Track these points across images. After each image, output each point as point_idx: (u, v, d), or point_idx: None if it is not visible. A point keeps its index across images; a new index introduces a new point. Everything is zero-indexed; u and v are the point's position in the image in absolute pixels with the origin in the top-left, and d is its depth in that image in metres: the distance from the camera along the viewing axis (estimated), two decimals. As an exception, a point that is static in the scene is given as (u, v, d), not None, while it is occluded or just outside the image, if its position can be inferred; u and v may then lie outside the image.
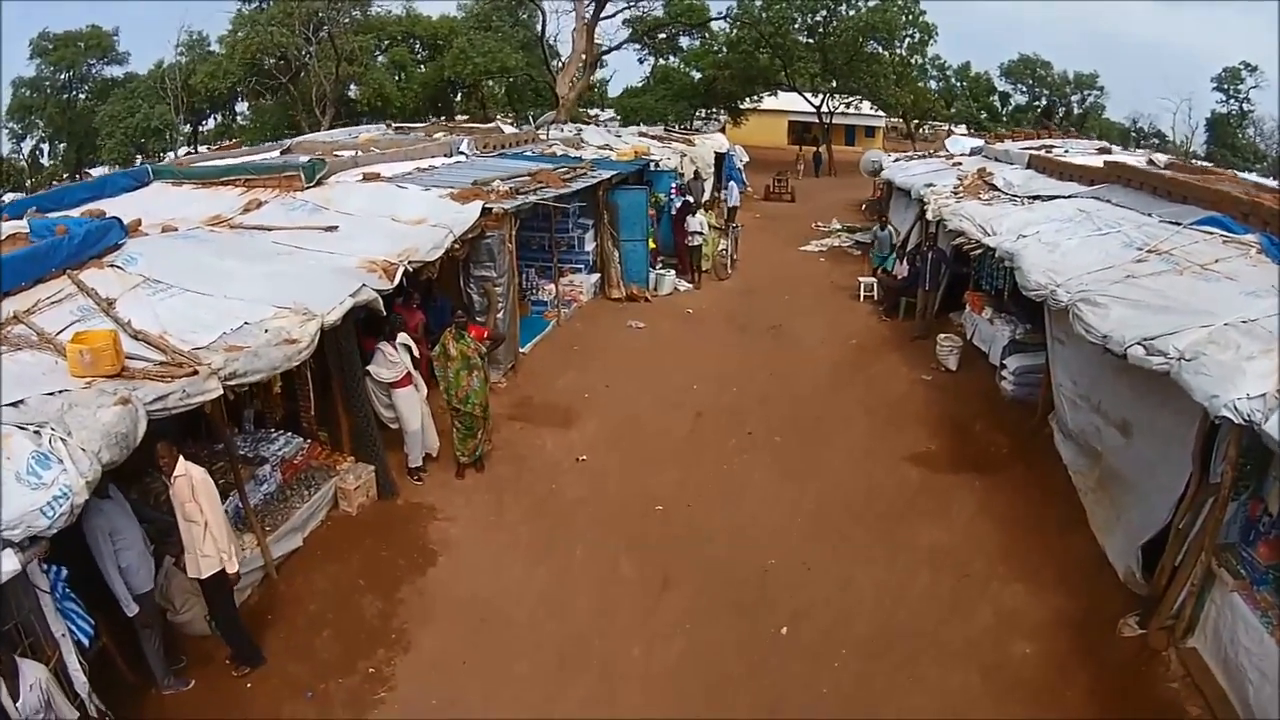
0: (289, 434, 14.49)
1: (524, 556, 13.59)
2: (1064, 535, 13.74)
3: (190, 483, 9.98)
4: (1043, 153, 28.52)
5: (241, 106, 73.57)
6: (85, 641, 8.87)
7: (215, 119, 73.37)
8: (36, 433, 8.05)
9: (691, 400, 19.74)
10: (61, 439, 8.11)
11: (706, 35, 74.96)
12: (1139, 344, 11.09)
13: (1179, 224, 15.61)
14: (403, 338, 15.11)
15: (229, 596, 10.72)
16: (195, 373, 9.91)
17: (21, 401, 8.61)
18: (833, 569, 13.28)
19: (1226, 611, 10.17)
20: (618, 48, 65.74)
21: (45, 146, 74.26)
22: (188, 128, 67.27)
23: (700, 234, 30.23)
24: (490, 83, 72.15)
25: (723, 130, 59.01)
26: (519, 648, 11.51)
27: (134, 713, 9.76)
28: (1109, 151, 31.71)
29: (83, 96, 73.92)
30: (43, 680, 7.69)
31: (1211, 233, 14.82)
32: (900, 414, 19.04)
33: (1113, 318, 12.08)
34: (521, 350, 21.37)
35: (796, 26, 70.15)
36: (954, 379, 21.09)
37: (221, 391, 10.18)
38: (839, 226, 41.19)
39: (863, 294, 29.26)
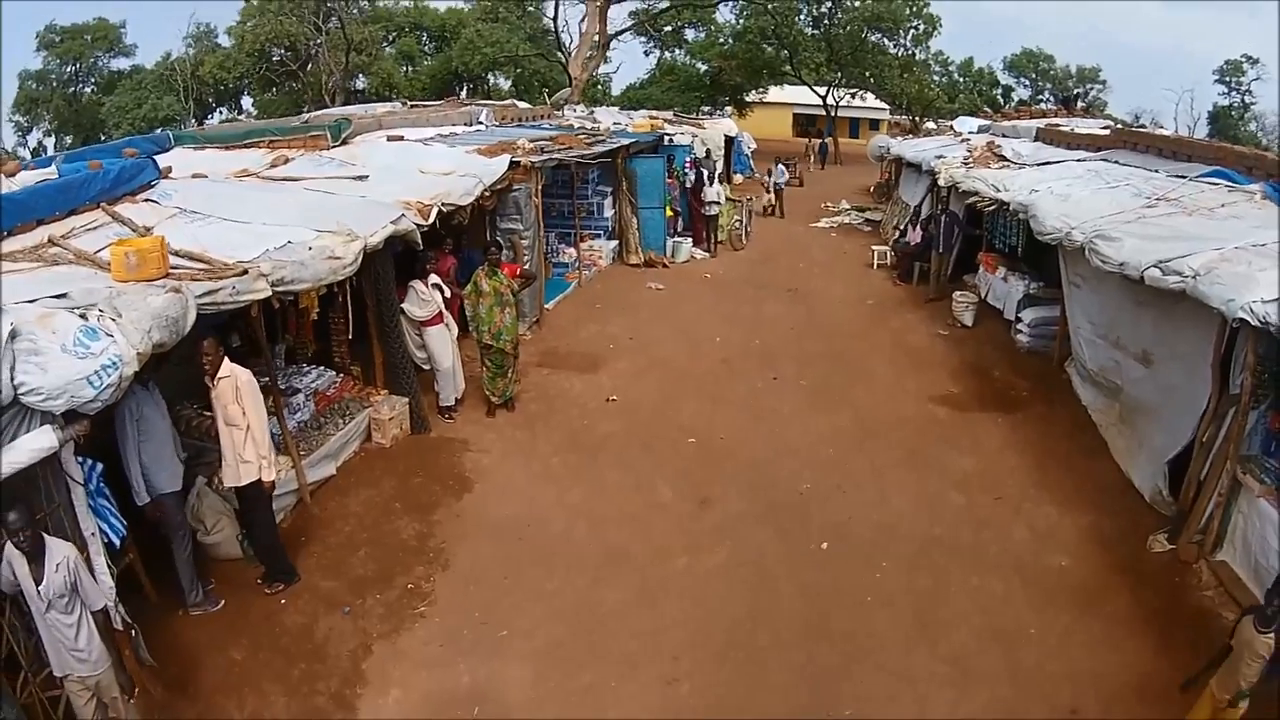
0: (321, 368, 14.65)
1: (559, 482, 13.78)
2: (1090, 463, 14.08)
3: (235, 384, 9.98)
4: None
5: (247, 102, 73.59)
6: (116, 542, 8.84)
7: (221, 112, 73.30)
8: (83, 315, 7.99)
9: (716, 349, 20.01)
10: (111, 318, 8.07)
11: (712, 27, 75.17)
12: (1155, 266, 11.55)
13: (1185, 177, 16.06)
14: (434, 278, 15.28)
15: (268, 506, 10.78)
16: (245, 272, 10.03)
17: (65, 294, 8.50)
18: (867, 491, 13.55)
19: (1254, 519, 10.44)
20: (627, 30, 65.66)
21: (51, 140, 74.09)
22: (194, 122, 67.27)
23: (716, 203, 30.61)
24: (496, 77, 72.55)
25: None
26: (559, 562, 11.68)
27: (160, 633, 9.67)
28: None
29: (89, 89, 74.02)
30: (71, 559, 7.53)
31: (1217, 183, 15.36)
32: (921, 362, 19.34)
33: (1127, 248, 12.51)
34: (546, 306, 21.65)
35: (802, 18, 70.40)
36: (971, 334, 21.37)
37: (270, 292, 10.28)
38: (848, 206, 41.33)
39: (876, 262, 29.59)
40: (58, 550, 7.44)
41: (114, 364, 7.68)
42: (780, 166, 40.32)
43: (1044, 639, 10.13)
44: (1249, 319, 9.60)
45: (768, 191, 40.15)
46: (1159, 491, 12.52)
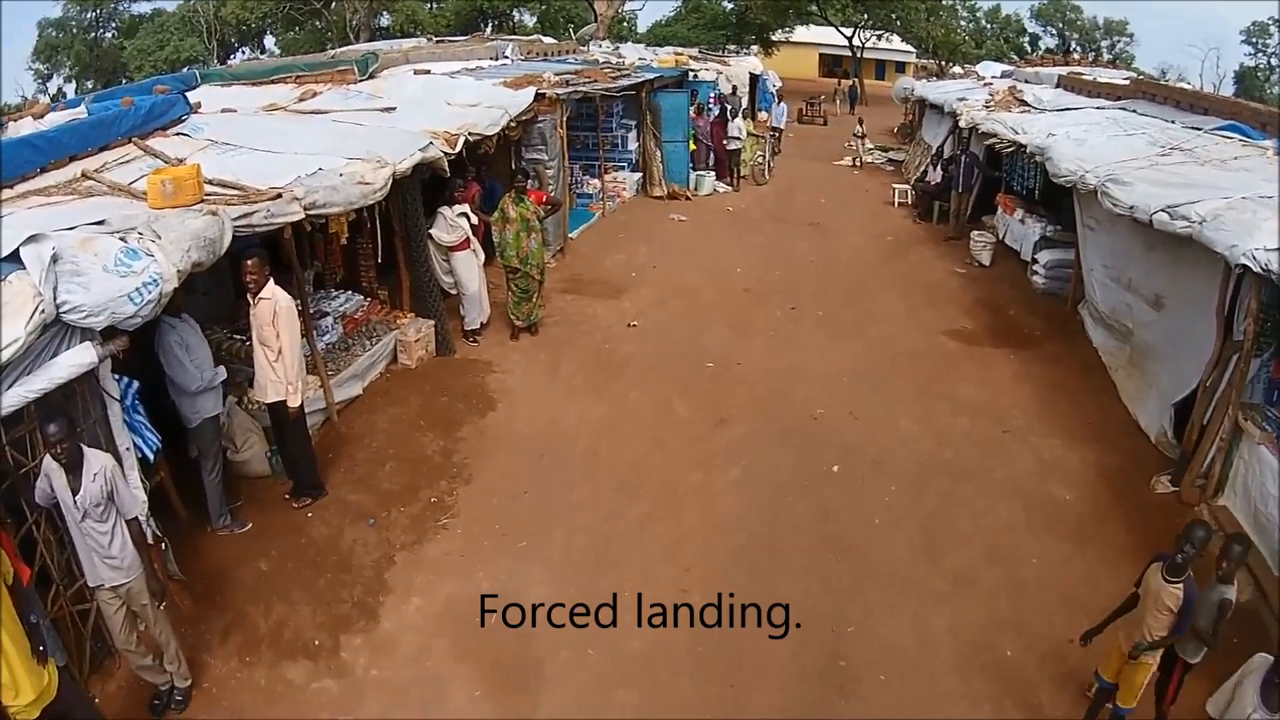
0: (349, 292, 14.94)
1: (581, 401, 14.18)
2: (1097, 402, 14.38)
3: (274, 307, 10.16)
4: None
5: (270, 42, 73.23)
6: (150, 456, 9.11)
7: (244, 52, 72.85)
8: (123, 239, 8.16)
9: (736, 279, 20.35)
10: (151, 240, 8.30)
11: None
12: (1163, 210, 11.76)
13: (1200, 129, 16.27)
14: (461, 207, 15.55)
15: (301, 421, 11.07)
16: (279, 196, 10.29)
17: (103, 221, 8.68)
18: (879, 416, 13.91)
19: (1255, 465, 10.63)
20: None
21: (72, 86, 73.21)
22: (217, 63, 66.89)
23: (739, 139, 30.88)
24: (521, 13, 72.24)
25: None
26: (580, 476, 12.08)
27: (189, 550, 9.99)
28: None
29: (110, 34, 73.19)
30: (108, 468, 7.54)
31: (1231, 137, 15.59)
32: (936, 297, 19.64)
33: (1138, 192, 12.76)
34: (570, 236, 22.00)
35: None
36: (987, 272, 21.65)
37: (303, 215, 10.55)
38: (871, 146, 41.06)
39: (896, 200, 29.81)
40: (95, 461, 7.50)
41: (155, 281, 7.93)
42: (783, 104, 39.81)
43: (1043, 564, 10.47)
44: (1251, 265, 9.84)
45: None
46: (1164, 433, 12.79)
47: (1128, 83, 24.62)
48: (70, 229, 8.20)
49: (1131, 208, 12.61)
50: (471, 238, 15.69)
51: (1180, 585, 7.21)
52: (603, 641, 9.23)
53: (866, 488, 11.94)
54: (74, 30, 71.53)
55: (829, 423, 13.69)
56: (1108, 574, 10.15)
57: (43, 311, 7.10)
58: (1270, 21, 76.96)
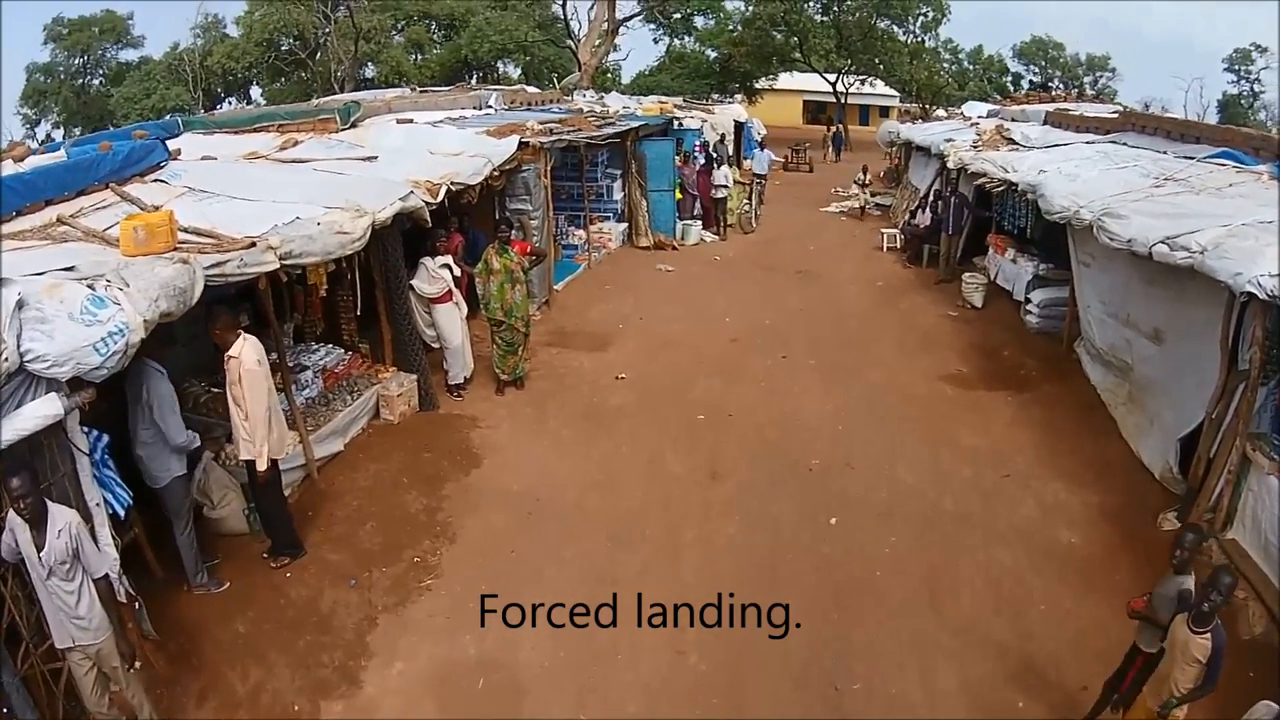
0: (330, 345, 14.66)
1: (570, 456, 13.86)
2: (1098, 442, 14.09)
3: (239, 367, 9.98)
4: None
5: (256, 92, 73.49)
6: (121, 512, 8.86)
7: (230, 102, 72.99)
8: (90, 286, 7.96)
9: (725, 329, 20.08)
10: (119, 288, 8.06)
11: (721, 14, 74.91)
12: (1162, 242, 11.51)
13: (1193, 158, 16.07)
14: (444, 258, 15.31)
15: (276, 481, 10.77)
16: (253, 245, 10.03)
17: (73, 267, 8.52)
18: (876, 465, 13.63)
19: (1264, 496, 10.38)
20: (636, 16, 65.46)
21: (60, 132, 73.42)
22: (203, 112, 66.83)
23: (725, 187, 30.78)
24: (505, 64, 72.51)
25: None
26: (569, 533, 11.74)
27: (165, 608, 9.71)
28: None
29: (97, 81, 73.56)
30: (73, 525, 7.41)
31: (1224, 164, 15.37)
32: (930, 342, 19.38)
33: (1135, 225, 12.50)
34: (555, 287, 21.73)
35: (811, 4, 70.21)
36: (980, 314, 21.45)
37: (278, 265, 10.26)
38: (857, 191, 41.09)
39: (885, 245, 29.66)
40: (60, 516, 7.38)
41: (120, 331, 7.69)
42: (766, 151, 39.32)
43: (1051, 610, 10.19)
44: (1256, 292, 9.61)
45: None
46: (1169, 469, 12.51)
47: (1116, 115, 24.56)
48: (39, 274, 8.06)
49: (1129, 241, 12.36)
50: (454, 290, 15.45)
51: (1208, 635, 6.95)
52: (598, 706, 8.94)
53: (867, 539, 11.65)
54: (61, 76, 71.96)
55: (826, 473, 13.42)
56: (1117, 616, 9.62)
57: (6, 359, 6.92)
58: (1252, 48, 77.64)
